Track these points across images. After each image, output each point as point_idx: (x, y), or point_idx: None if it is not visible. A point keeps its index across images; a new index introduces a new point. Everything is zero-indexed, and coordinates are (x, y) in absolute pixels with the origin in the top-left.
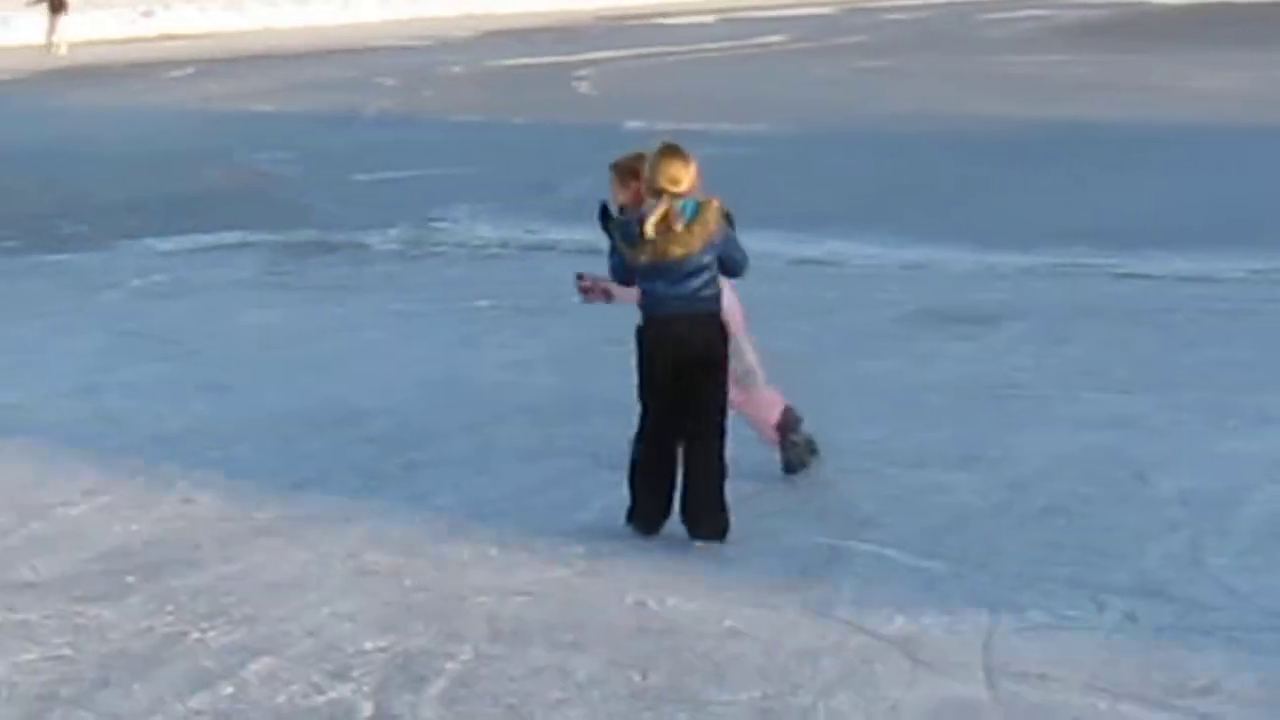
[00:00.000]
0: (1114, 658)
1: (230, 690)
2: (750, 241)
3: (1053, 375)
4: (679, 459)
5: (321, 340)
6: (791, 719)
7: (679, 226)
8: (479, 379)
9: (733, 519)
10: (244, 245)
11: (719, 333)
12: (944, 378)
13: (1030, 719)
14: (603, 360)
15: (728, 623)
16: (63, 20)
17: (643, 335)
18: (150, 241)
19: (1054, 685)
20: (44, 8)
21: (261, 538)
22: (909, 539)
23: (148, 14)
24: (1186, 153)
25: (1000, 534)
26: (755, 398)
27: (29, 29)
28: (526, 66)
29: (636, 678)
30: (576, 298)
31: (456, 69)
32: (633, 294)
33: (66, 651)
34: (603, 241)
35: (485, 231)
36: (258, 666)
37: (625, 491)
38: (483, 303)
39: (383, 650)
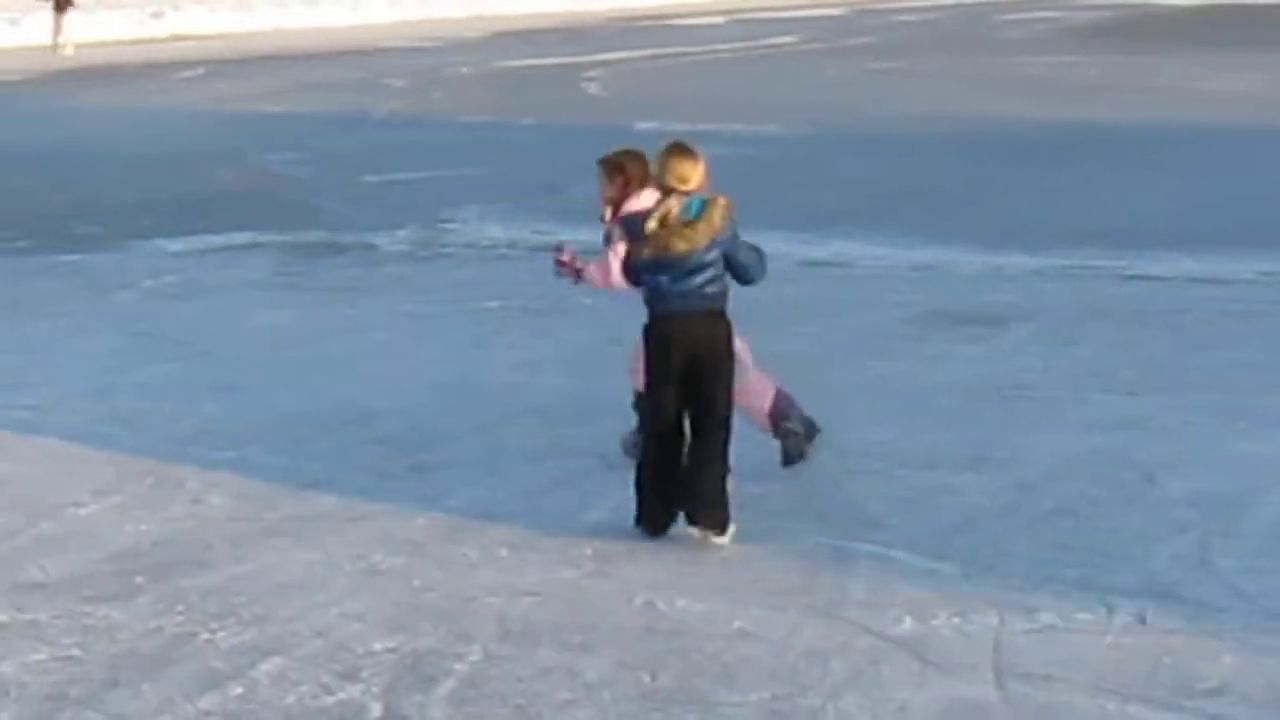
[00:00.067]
0: (1123, 659)
1: (239, 691)
2: (759, 242)
3: (1062, 376)
4: (683, 458)
5: (332, 341)
6: None
7: (683, 221)
8: (488, 380)
9: (734, 515)
10: (255, 246)
11: (725, 329)
12: (953, 379)
13: None
14: (611, 361)
15: (737, 624)
16: (68, 19)
17: (649, 332)
18: (162, 242)
19: (1062, 686)
20: (49, 7)
21: (272, 538)
22: (918, 540)
23: (157, 15)
24: (1196, 154)
25: (1009, 535)
26: (745, 386)
27: (38, 29)
28: (536, 67)
29: (645, 678)
30: (553, 271)
31: (466, 70)
32: (600, 280)
33: (75, 652)
34: None
35: (495, 232)
36: (267, 667)
37: (633, 493)
38: (492, 304)
39: (392, 651)
